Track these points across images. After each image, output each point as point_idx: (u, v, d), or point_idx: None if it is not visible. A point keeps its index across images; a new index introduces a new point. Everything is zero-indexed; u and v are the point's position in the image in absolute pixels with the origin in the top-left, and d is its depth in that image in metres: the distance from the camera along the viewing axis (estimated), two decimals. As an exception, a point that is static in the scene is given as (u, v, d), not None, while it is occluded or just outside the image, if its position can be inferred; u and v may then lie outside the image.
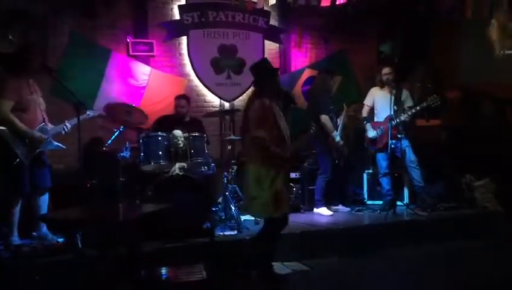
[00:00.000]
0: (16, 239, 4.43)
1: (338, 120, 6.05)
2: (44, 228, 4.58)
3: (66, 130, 4.67)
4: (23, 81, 4.47)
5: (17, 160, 4.34)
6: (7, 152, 4.33)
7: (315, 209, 6.08)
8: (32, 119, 4.47)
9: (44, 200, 4.64)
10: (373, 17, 7.62)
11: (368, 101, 6.37)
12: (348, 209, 6.28)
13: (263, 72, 4.16)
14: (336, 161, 6.04)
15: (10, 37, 5.56)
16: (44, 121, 4.60)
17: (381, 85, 6.17)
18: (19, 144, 4.36)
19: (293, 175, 6.25)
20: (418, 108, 5.98)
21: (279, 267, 4.67)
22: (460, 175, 6.51)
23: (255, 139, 3.94)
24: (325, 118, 5.86)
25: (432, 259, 4.89)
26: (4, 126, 4.31)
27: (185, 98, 5.99)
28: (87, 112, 4.79)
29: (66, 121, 4.68)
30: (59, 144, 4.69)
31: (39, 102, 4.58)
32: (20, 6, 5.74)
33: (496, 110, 7.32)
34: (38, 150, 4.49)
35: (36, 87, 4.62)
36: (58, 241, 4.43)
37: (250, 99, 4.14)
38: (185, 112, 5.89)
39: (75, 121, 4.57)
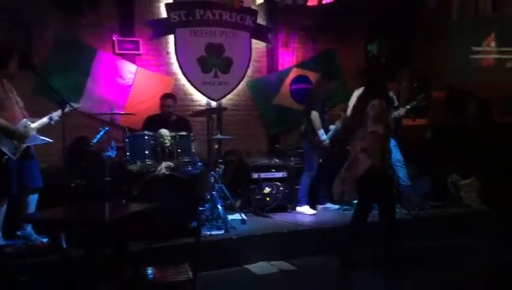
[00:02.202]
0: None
1: (333, 125, 6.06)
2: (28, 228, 4.52)
3: (53, 120, 4.61)
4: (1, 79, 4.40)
5: (5, 157, 4.28)
6: None
7: (297, 208, 6.09)
8: (11, 117, 4.39)
9: (33, 199, 4.57)
10: (361, 17, 7.65)
11: (353, 102, 6.38)
12: (337, 206, 6.30)
13: (380, 78, 4.87)
14: (319, 160, 6.06)
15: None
16: (25, 117, 4.53)
17: None
18: (4, 141, 4.30)
19: (279, 174, 6.26)
20: (408, 107, 6.01)
21: (266, 267, 4.68)
22: (446, 174, 6.57)
23: (373, 133, 4.32)
24: (314, 114, 5.88)
25: (417, 258, 4.92)
26: None
27: (172, 97, 5.96)
28: (70, 104, 4.70)
29: (53, 112, 4.62)
30: (45, 138, 4.62)
31: (16, 100, 4.51)
32: (4, 5, 5.66)
33: (480, 110, 7.40)
34: (25, 145, 4.42)
35: (10, 86, 4.52)
36: (42, 241, 4.38)
37: (364, 99, 4.57)
38: (171, 111, 5.87)
39: (60, 112, 4.52)
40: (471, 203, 6.30)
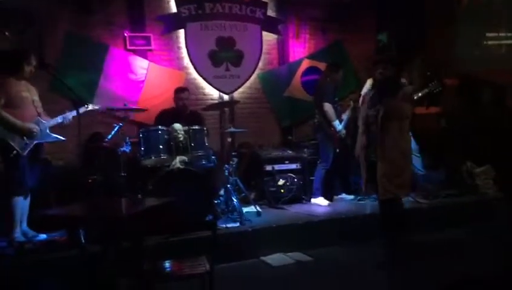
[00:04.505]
0: (18, 236, 4.43)
1: (344, 114, 6.05)
2: (24, 226, 4.54)
3: (67, 119, 4.66)
4: (14, 80, 4.48)
5: (14, 152, 4.35)
6: (4, 146, 4.36)
7: (312, 200, 6.10)
8: (25, 116, 4.46)
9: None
10: (370, 6, 7.59)
11: (364, 92, 6.35)
12: (351, 197, 6.30)
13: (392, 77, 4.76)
14: (337, 150, 6.05)
15: (6, 34, 5.54)
16: (39, 116, 4.59)
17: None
18: (14, 137, 4.38)
19: (293, 166, 6.27)
20: (420, 94, 5.94)
21: (282, 258, 4.70)
22: (461, 162, 6.52)
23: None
24: (327, 106, 5.87)
25: (434, 246, 4.90)
26: None
27: (186, 91, 5.97)
28: (86, 105, 4.77)
29: (67, 111, 4.68)
30: (57, 136, 4.67)
31: (33, 99, 4.57)
32: (17, 4, 5.71)
33: (494, 97, 7.32)
34: (35, 141, 4.48)
35: (30, 86, 4.60)
36: (40, 239, 4.44)
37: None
38: (186, 105, 5.88)
39: (74, 111, 4.58)
40: (488, 191, 6.25)
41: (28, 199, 4.56)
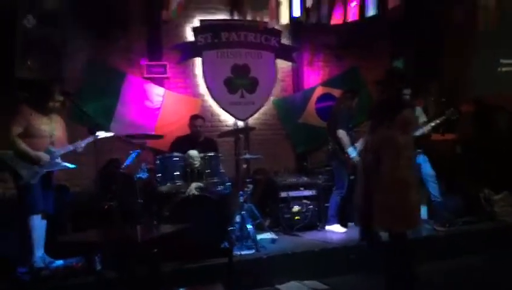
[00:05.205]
0: (38, 261, 4.45)
1: (358, 141, 6.04)
2: (41, 251, 4.57)
3: (79, 147, 4.75)
4: (37, 113, 4.62)
5: (23, 181, 4.46)
6: (14, 174, 4.49)
7: (327, 227, 6.05)
8: (38, 145, 4.57)
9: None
10: (385, 33, 7.65)
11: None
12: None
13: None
14: (351, 177, 6.02)
15: (29, 63, 5.68)
16: (53, 145, 4.68)
17: None
18: (23, 165, 4.48)
19: (308, 193, 6.26)
20: (438, 121, 5.93)
21: (298, 287, 4.65)
22: (478, 189, 6.44)
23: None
24: (341, 133, 5.87)
25: (452, 274, 4.83)
26: (10, 148, 4.47)
27: (201, 118, 6.05)
28: (97, 133, 4.84)
29: (80, 140, 4.77)
30: (67, 164, 4.75)
31: (51, 132, 4.67)
32: (37, 33, 5.86)
33: (510, 122, 7.27)
34: (45, 170, 4.57)
35: (54, 117, 4.75)
36: (56, 265, 4.47)
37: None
38: (201, 131, 5.94)
39: (88, 139, 4.66)
40: (506, 218, 6.16)
41: (45, 223, 4.61)
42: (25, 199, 4.48)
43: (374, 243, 4.09)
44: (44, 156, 4.56)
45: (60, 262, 4.52)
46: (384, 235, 4.04)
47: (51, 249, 4.60)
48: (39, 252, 4.54)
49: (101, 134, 4.93)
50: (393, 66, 7.87)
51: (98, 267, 4.01)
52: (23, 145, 4.49)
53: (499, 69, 7.37)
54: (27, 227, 4.47)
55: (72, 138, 4.93)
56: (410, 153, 3.97)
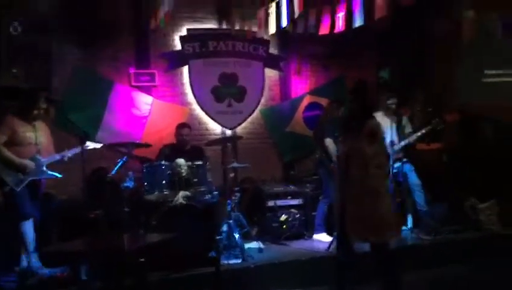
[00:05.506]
0: (35, 264, 4.47)
1: None
2: (33, 260, 4.55)
3: (66, 157, 4.75)
4: (21, 121, 4.62)
5: (8, 187, 4.46)
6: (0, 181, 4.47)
7: (314, 236, 6.05)
8: (23, 153, 4.57)
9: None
10: (371, 43, 7.74)
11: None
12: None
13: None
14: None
15: (14, 71, 5.65)
16: (39, 153, 4.66)
17: (388, 112, 6.18)
18: (8, 172, 4.48)
19: (295, 201, 6.27)
20: (423, 131, 6.00)
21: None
22: (464, 198, 6.50)
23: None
24: (328, 141, 5.89)
25: (437, 283, 4.86)
26: None
27: (187, 127, 6.04)
28: (86, 144, 4.85)
29: (66, 150, 4.75)
30: (53, 173, 4.74)
31: (36, 140, 4.66)
32: (24, 40, 5.84)
33: (494, 132, 7.37)
34: (30, 178, 4.55)
35: (39, 125, 4.75)
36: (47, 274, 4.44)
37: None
38: (187, 140, 5.93)
39: (75, 150, 4.65)
40: (492, 227, 6.21)
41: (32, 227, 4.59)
42: (14, 206, 4.46)
43: (347, 253, 4.05)
44: (30, 164, 4.55)
45: (45, 271, 4.47)
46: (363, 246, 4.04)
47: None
48: (34, 256, 4.53)
49: (91, 145, 4.92)
50: (379, 75, 7.96)
51: (84, 277, 3.97)
52: (7, 153, 4.48)
53: (483, 79, 7.47)
54: (19, 233, 4.47)
55: (57, 145, 4.91)
56: (380, 162, 3.97)
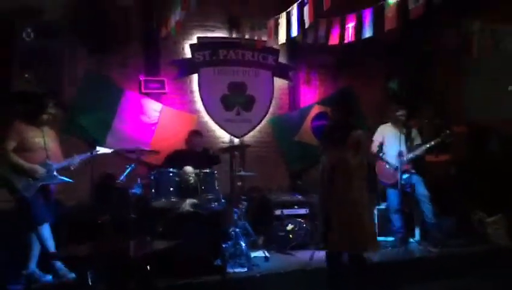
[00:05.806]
0: (32, 270, 4.46)
1: None
2: (33, 266, 4.57)
3: (73, 163, 4.77)
4: (30, 126, 4.65)
5: (19, 193, 4.47)
6: (10, 187, 4.49)
7: None
8: (34, 158, 4.59)
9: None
10: (380, 55, 7.74)
11: (377, 138, 6.38)
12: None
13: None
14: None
15: (26, 76, 5.70)
16: (48, 158, 4.68)
17: (397, 123, 6.17)
18: (20, 179, 4.50)
19: (302, 211, 6.25)
20: (432, 143, 5.99)
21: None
22: (471, 210, 6.47)
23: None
24: None
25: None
26: (6, 162, 4.49)
27: (200, 134, 6.09)
28: (96, 149, 4.88)
29: (75, 155, 4.77)
30: (64, 178, 4.75)
31: (45, 145, 4.68)
32: (36, 45, 5.90)
33: (503, 145, 7.33)
34: (41, 183, 4.57)
35: (47, 131, 4.76)
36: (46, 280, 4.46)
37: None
38: (198, 147, 5.97)
39: (83, 156, 4.67)
40: (499, 241, 6.17)
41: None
42: (27, 211, 4.48)
43: (337, 265, 4.08)
44: (40, 169, 4.57)
45: (49, 277, 4.49)
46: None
47: (42, 263, 4.58)
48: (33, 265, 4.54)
49: (101, 150, 4.95)
50: (388, 86, 7.96)
51: (90, 282, 3.98)
52: (16, 158, 4.50)
53: (493, 93, 7.45)
54: (39, 238, 4.49)
55: (65, 151, 4.94)
56: (364, 174, 4.00)
